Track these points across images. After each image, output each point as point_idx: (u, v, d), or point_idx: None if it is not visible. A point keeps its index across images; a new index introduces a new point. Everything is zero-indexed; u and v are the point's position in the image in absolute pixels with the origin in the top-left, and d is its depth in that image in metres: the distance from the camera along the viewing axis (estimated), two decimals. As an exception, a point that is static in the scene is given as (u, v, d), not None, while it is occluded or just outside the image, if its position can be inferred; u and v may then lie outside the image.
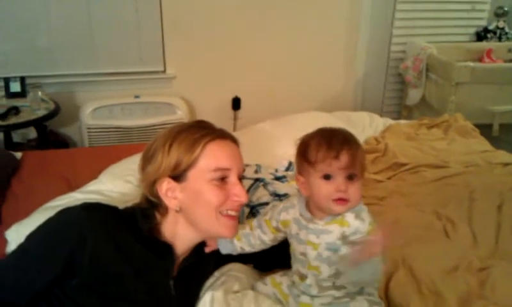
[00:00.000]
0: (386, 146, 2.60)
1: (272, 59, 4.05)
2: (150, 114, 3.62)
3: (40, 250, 1.17)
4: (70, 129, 3.76)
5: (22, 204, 2.00)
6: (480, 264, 1.67)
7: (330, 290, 1.31)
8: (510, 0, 4.40)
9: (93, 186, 2.01)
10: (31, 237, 1.21)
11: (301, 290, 1.35)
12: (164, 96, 3.75)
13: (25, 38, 3.46)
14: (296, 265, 1.37)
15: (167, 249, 1.29)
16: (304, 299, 1.35)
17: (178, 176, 1.25)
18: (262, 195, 1.95)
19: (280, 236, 1.42)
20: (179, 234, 1.30)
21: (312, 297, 1.33)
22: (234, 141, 1.34)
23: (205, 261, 1.43)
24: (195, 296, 1.39)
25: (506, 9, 4.34)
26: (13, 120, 3.05)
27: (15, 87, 3.32)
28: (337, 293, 1.31)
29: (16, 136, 3.49)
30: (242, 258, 1.51)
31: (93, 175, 2.10)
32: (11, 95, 3.31)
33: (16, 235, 1.66)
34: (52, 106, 3.28)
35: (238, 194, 1.28)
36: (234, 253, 1.44)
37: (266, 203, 1.84)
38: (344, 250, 1.23)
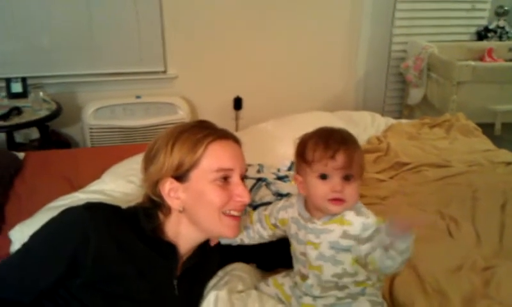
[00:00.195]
0: (388, 146, 2.59)
1: (274, 59, 4.05)
2: (152, 114, 3.62)
3: (43, 250, 1.18)
4: (72, 129, 3.77)
5: (25, 205, 2.01)
6: (485, 263, 1.67)
7: (333, 290, 1.31)
8: (510, -1, 4.40)
9: (95, 186, 2.01)
10: (34, 237, 1.21)
11: (303, 291, 1.35)
12: (165, 97, 3.75)
13: (26, 39, 3.46)
14: (297, 265, 1.38)
15: (170, 248, 1.30)
16: (307, 300, 1.35)
17: (180, 176, 1.25)
18: (264, 194, 1.95)
19: (279, 233, 1.43)
20: (182, 234, 1.31)
21: (315, 297, 1.33)
22: (236, 141, 1.34)
23: (208, 261, 1.43)
24: (199, 295, 1.39)
25: (507, 8, 4.33)
26: (15, 120, 3.06)
27: (17, 87, 3.32)
28: (340, 294, 1.31)
29: (19, 136, 3.49)
30: (245, 258, 1.52)
31: (96, 175, 2.10)
32: (12, 96, 3.31)
33: (20, 235, 1.67)
34: (53, 106, 3.28)
35: (241, 194, 1.28)
36: (233, 244, 1.45)
37: (269, 203, 1.84)
38: (365, 248, 1.20)
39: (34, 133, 3.47)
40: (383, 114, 3.43)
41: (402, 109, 4.43)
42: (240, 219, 1.33)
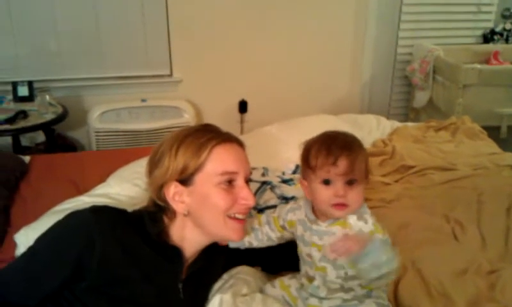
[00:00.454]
0: (393, 149, 2.59)
1: (279, 62, 4.06)
2: (157, 117, 3.63)
3: (48, 253, 1.18)
4: (78, 133, 3.77)
5: (30, 208, 2.01)
6: (490, 267, 1.66)
7: (339, 292, 1.31)
8: (517, 2, 4.39)
9: (101, 189, 2.01)
10: (39, 240, 1.22)
11: (309, 293, 1.35)
12: (170, 100, 3.76)
13: (33, 43, 3.48)
14: (304, 267, 1.38)
15: (175, 252, 1.30)
16: (313, 301, 1.35)
17: (185, 180, 1.25)
18: (269, 198, 1.96)
19: (287, 235, 1.43)
20: (187, 237, 1.31)
21: (321, 299, 1.33)
22: (240, 144, 1.34)
23: (213, 264, 1.42)
24: (204, 299, 1.39)
25: (513, 11, 4.33)
26: (21, 124, 3.06)
27: (23, 91, 3.34)
28: (346, 296, 1.31)
29: (25, 140, 3.51)
30: (250, 261, 1.52)
31: (101, 178, 2.11)
32: (19, 99, 3.33)
33: (25, 238, 1.68)
34: (59, 110, 3.29)
35: (245, 197, 1.28)
36: (242, 247, 1.45)
37: (274, 206, 1.84)
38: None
39: (40, 137, 3.48)
40: (388, 117, 3.43)
41: (408, 112, 4.42)
42: (245, 222, 1.33)
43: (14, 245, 1.72)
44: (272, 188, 2.03)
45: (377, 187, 2.28)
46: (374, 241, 1.14)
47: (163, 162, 1.26)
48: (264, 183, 2.06)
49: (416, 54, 4.12)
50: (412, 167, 2.42)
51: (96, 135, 3.54)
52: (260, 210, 1.86)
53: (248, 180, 1.33)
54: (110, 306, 1.19)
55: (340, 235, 1.23)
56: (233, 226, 1.29)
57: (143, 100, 3.67)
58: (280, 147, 2.48)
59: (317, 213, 1.32)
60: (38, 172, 2.35)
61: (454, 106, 3.61)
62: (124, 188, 1.98)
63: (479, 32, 4.41)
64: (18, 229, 1.76)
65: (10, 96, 3.34)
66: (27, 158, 2.48)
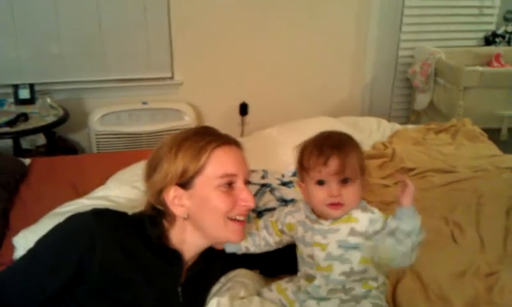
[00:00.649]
0: (393, 151, 2.59)
1: (280, 64, 4.06)
2: (158, 120, 3.63)
3: (49, 256, 1.18)
4: (79, 135, 3.78)
5: (30, 210, 2.02)
6: (488, 269, 1.66)
7: (339, 292, 1.31)
8: (518, 4, 4.38)
9: (100, 192, 2.02)
10: (40, 243, 1.22)
11: (307, 294, 1.35)
12: (171, 102, 3.77)
13: (34, 46, 3.49)
14: (303, 268, 1.37)
15: (175, 255, 1.30)
16: (311, 303, 1.35)
17: (185, 183, 1.25)
18: (268, 200, 1.95)
19: (285, 239, 1.43)
20: (187, 241, 1.31)
21: (319, 301, 1.33)
22: (238, 145, 1.34)
23: (211, 267, 1.43)
24: (202, 302, 1.39)
25: (515, 13, 4.33)
26: (22, 127, 3.07)
27: (24, 94, 3.35)
28: (344, 296, 1.31)
29: (25, 142, 3.51)
30: (248, 264, 1.52)
31: (101, 181, 2.11)
32: (20, 102, 3.34)
33: (24, 241, 1.67)
34: (60, 112, 3.30)
35: (245, 199, 1.28)
36: (239, 252, 1.45)
37: (273, 208, 1.84)
38: (370, 243, 1.25)
39: (41, 140, 3.49)
40: (389, 120, 3.43)
41: (409, 115, 4.42)
42: (245, 223, 1.33)
43: (13, 248, 1.71)
44: (272, 190, 2.02)
45: (376, 189, 2.28)
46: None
47: (162, 166, 1.26)
48: (263, 185, 2.06)
49: (417, 57, 4.12)
50: (412, 169, 2.42)
51: (97, 138, 3.54)
52: (260, 213, 1.86)
53: (247, 182, 1.33)
54: (111, 309, 1.19)
55: (350, 240, 1.26)
56: (234, 227, 1.29)
57: (144, 103, 3.67)
58: (280, 149, 2.48)
59: (317, 213, 1.32)
60: (38, 174, 2.36)
61: (455, 108, 3.61)
62: (124, 191, 1.99)
63: (481, 35, 4.40)
64: (17, 232, 1.76)
65: (11, 99, 3.35)
66: (27, 161, 2.49)
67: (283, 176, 2.23)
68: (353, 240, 1.26)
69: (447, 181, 2.30)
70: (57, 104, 3.39)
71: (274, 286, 1.46)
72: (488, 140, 2.82)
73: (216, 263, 1.44)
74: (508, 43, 4.32)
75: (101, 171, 2.24)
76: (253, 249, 1.45)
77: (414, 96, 4.24)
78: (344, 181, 1.23)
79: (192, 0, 3.70)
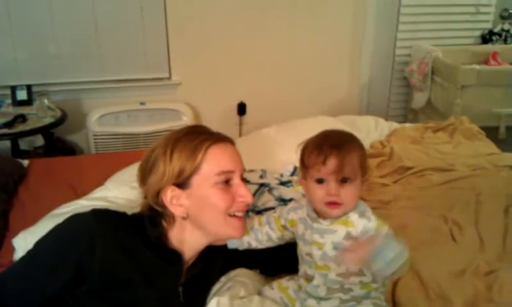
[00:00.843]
0: (391, 150, 2.59)
1: (278, 64, 4.06)
2: (156, 120, 3.63)
3: (49, 256, 1.18)
4: (77, 136, 3.78)
5: (29, 212, 2.01)
6: (488, 267, 1.66)
7: (338, 292, 1.31)
8: (515, 2, 4.39)
9: (99, 193, 2.01)
10: (40, 244, 1.21)
11: (307, 293, 1.35)
12: (169, 103, 3.76)
13: (31, 47, 3.48)
14: (303, 267, 1.38)
15: (175, 255, 1.30)
16: (311, 302, 1.35)
17: (182, 183, 1.25)
18: (267, 200, 1.96)
19: (287, 235, 1.44)
20: (186, 240, 1.31)
21: (319, 300, 1.33)
22: (232, 142, 1.35)
23: (212, 267, 1.43)
24: (203, 302, 1.39)
25: (511, 11, 4.32)
26: (19, 128, 3.07)
27: (22, 95, 3.34)
28: (344, 296, 1.31)
29: (23, 144, 3.50)
30: (248, 264, 1.52)
31: (100, 182, 2.10)
32: (17, 103, 3.33)
33: (24, 243, 1.67)
34: (58, 113, 3.29)
35: (243, 194, 1.29)
36: (241, 248, 1.45)
37: (272, 208, 1.84)
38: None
39: (39, 141, 3.48)
40: (387, 119, 3.44)
41: (407, 113, 4.43)
42: (244, 219, 1.34)
43: (12, 249, 1.71)
44: (270, 190, 2.03)
45: (375, 188, 2.28)
46: (383, 238, 1.14)
47: (158, 168, 1.26)
48: (262, 185, 2.06)
49: (414, 55, 4.13)
50: (410, 168, 2.42)
51: (95, 139, 3.54)
52: (259, 212, 1.86)
53: (243, 178, 1.34)
54: (111, 309, 1.19)
55: (345, 244, 1.23)
56: (234, 223, 1.30)
57: (142, 103, 3.67)
58: (278, 149, 2.48)
59: (318, 211, 1.33)
60: (36, 176, 2.36)
61: (452, 107, 3.61)
62: (122, 192, 1.98)
63: (478, 33, 4.41)
64: (16, 233, 1.75)
65: (9, 100, 3.35)
66: (25, 162, 2.48)
67: (281, 175, 2.23)
68: (347, 243, 1.25)
69: (445, 180, 2.30)
70: (55, 105, 3.38)
71: (275, 284, 1.46)
72: (486, 138, 2.82)
73: (217, 262, 1.45)
74: (505, 41, 4.33)
75: (99, 172, 2.24)
76: (255, 245, 1.45)
77: (411, 94, 4.25)
78: (343, 181, 1.23)
79: (188, 1, 3.70)
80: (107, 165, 2.34)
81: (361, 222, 1.25)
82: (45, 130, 3.21)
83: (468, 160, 2.49)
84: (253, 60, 3.99)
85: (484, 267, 1.66)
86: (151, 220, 1.30)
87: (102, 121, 3.54)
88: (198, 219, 1.28)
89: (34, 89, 3.39)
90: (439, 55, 3.87)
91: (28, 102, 3.34)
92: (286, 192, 2.00)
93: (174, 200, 1.26)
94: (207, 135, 1.30)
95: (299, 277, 1.40)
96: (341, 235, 1.26)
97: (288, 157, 2.32)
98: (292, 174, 2.27)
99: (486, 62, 4.12)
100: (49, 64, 3.55)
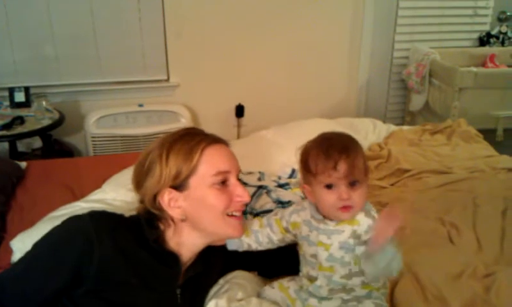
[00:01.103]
0: (389, 152, 2.59)
1: (276, 66, 4.06)
2: (154, 122, 3.63)
3: (47, 258, 1.18)
4: (75, 138, 3.77)
5: (26, 214, 2.01)
6: (485, 270, 1.66)
7: (340, 292, 1.32)
8: (513, 5, 4.40)
9: (97, 195, 2.01)
10: (38, 245, 1.22)
11: (309, 293, 1.35)
12: (167, 105, 3.76)
13: (29, 48, 3.48)
14: (305, 268, 1.38)
15: (173, 258, 1.30)
16: (312, 302, 1.35)
17: (179, 185, 1.26)
18: (265, 202, 1.95)
19: (288, 237, 1.44)
20: (184, 242, 1.31)
21: (320, 300, 1.34)
22: (226, 143, 1.37)
23: (210, 269, 1.43)
24: (201, 304, 1.39)
25: (509, 14, 4.33)
26: (17, 130, 3.06)
27: (20, 97, 3.33)
28: (346, 296, 1.32)
29: (21, 146, 3.50)
30: (247, 266, 1.52)
31: (98, 184, 2.11)
32: (15, 105, 3.32)
33: (21, 245, 1.67)
34: (56, 115, 3.29)
35: (240, 194, 1.30)
36: (240, 249, 1.45)
37: (270, 210, 1.84)
38: (361, 249, 1.26)
39: (37, 143, 3.48)
40: (385, 121, 3.44)
41: (405, 116, 4.43)
42: (242, 218, 1.35)
43: (10, 251, 1.71)
44: (268, 192, 2.03)
45: (372, 190, 2.28)
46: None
47: (154, 171, 1.26)
48: (260, 187, 2.06)
49: (412, 58, 4.13)
50: (408, 170, 2.42)
51: (93, 141, 3.53)
52: (256, 215, 1.86)
53: (239, 179, 1.35)
54: (109, 310, 1.19)
55: (351, 242, 1.26)
56: (233, 223, 1.31)
57: (140, 105, 3.67)
58: (276, 151, 2.48)
59: (323, 213, 1.33)
60: (34, 178, 2.35)
61: (450, 109, 3.62)
62: (120, 194, 1.98)
63: (475, 36, 4.41)
64: (14, 235, 1.76)
65: (7, 102, 3.34)
66: (23, 164, 2.48)
67: (279, 178, 2.23)
68: (352, 242, 1.27)
69: (442, 182, 2.30)
70: (53, 107, 3.38)
71: (276, 284, 1.47)
72: (484, 140, 2.82)
73: (216, 264, 1.45)
74: (502, 43, 4.34)
75: (97, 174, 2.24)
76: (255, 246, 1.45)
77: (409, 97, 4.25)
78: (352, 184, 1.24)
79: (186, 3, 3.70)
80: (105, 167, 2.34)
81: (366, 221, 1.27)
82: (43, 132, 3.20)
83: (466, 162, 2.49)
84: (251, 62, 3.99)
85: (481, 270, 1.65)
86: (148, 223, 1.30)
87: (100, 123, 3.54)
88: (196, 220, 1.28)
89: (32, 91, 3.38)
90: (437, 57, 3.87)
91: (26, 104, 3.33)
92: (284, 195, 2.00)
93: (172, 202, 1.27)
94: (201, 136, 1.31)
95: (301, 277, 1.40)
96: (347, 234, 1.27)
97: (286, 159, 2.32)
98: (290, 176, 2.27)
99: (484, 64, 4.13)
100: (47, 66, 3.55)
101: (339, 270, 1.29)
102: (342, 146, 1.25)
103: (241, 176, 1.38)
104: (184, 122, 3.68)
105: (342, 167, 1.22)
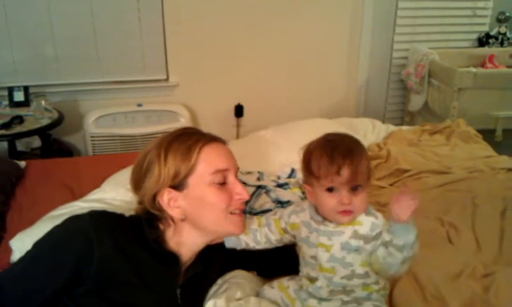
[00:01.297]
0: (388, 153, 2.59)
1: (275, 66, 4.06)
2: (153, 122, 3.63)
3: (47, 258, 1.18)
4: (74, 138, 3.77)
5: (26, 213, 2.01)
6: (484, 270, 1.66)
7: (340, 294, 1.31)
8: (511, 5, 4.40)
9: (96, 195, 2.01)
10: (37, 245, 1.21)
11: (309, 293, 1.35)
12: (166, 104, 3.76)
13: (29, 48, 3.48)
14: (305, 269, 1.38)
15: (173, 257, 1.30)
16: (312, 302, 1.35)
17: (178, 185, 1.26)
18: (264, 202, 1.95)
19: (286, 238, 1.43)
20: (184, 242, 1.31)
21: (320, 301, 1.34)
22: (223, 142, 1.37)
23: (210, 269, 1.43)
24: (201, 304, 1.39)
25: (508, 14, 4.34)
26: (17, 129, 3.06)
27: (19, 96, 3.33)
28: (346, 298, 1.31)
29: (21, 145, 3.50)
30: (247, 265, 1.52)
31: (97, 184, 2.10)
32: (14, 104, 3.32)
33: (21, 244, 1.67)
34: (55, 115, 3.29)
35: (239, 191, 1.30)
36: (238, 248, 1.45)
37: (269, 210, 1.84)
38: (370, 246, 1.26)
39: (36, 142, 3.48)
40: (384, 121, 3.44)
41: (404, 116, 4.43)
42: (243, 216, 1.35)
43: (10, 251, 1.71)
44: (268, 192, 2.02)
45: (372, 190, 2.28)
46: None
47: (153, 171, 1.26)
48: (259, 187, 2.06)
49: (411, 58, 4.13)
50: (407, 170, 2.42)
51: (92, 140, 3.53)
52: (256, 214, 1.86)
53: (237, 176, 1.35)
54: (109, 311, 1.19)
55: (353, 243, 1.27)
56: (235, 220, 1.31)
57: (139, 105, 3.67)
58: (275, 151, 2.48)
59: (323, 215, 1.33)
60: (33, 177, 2.35)
61: (449, 109, 3.62)
62: (119, 193, 1.98)
63: (474, 36, 4.42)
64: (13, 234, 1.75)
65: (6, 102, 3.34)
66: (22, 164, 2.48)
67: (278, 177, 2.23)
68: (355, 242, 1.26)
69: (442, 183, 2.31)
70: (52, 106, 3.38)
71: (275, 283, 1.46)
72: (483, 141, 2.83)
73: (215, 264, 1.45)
74: (501, 44, 4.34)
75: (97, 173, 2.24)
76: (252, 245, 1.45)
77: (408, 97, 4.25)
78: (354, 189, 1.23)
79: (186, 3, 3.70)
80: (105, 166, 2.34)
81: (368, 220, 1.27)
82: (42, 132, 3.20)
83: (465, 162, 2.50)
84: (250, 62, 3.99)
85: (480, 270, 1.66)
86: (148, 223, 1.30)
87: (99, 122, 3.54)
88: (196, 219, 1.28)
89: (31, 90, 3.38)
90: (436, 58, 3.87)
91: (25, 103, 3.33)
92: (283, 195, 2.00)
93: (171, 202, 1.27)
94: (199, 135, 1.31)
95: (301, 277, 1.40)
96: (348, 234, 1.27)
97: (285, 159, 2.32)
98: (289, 176, 2.27)
99: (483, 65, 4.14)
100: (46, 65, 3.55)
101: (340, 270, 1.28)
102: (346, 150, 1.24)
103: (240, 176, 1.38)
104: (183, 122, 3.68)
105: (345, 172, 1.21)
